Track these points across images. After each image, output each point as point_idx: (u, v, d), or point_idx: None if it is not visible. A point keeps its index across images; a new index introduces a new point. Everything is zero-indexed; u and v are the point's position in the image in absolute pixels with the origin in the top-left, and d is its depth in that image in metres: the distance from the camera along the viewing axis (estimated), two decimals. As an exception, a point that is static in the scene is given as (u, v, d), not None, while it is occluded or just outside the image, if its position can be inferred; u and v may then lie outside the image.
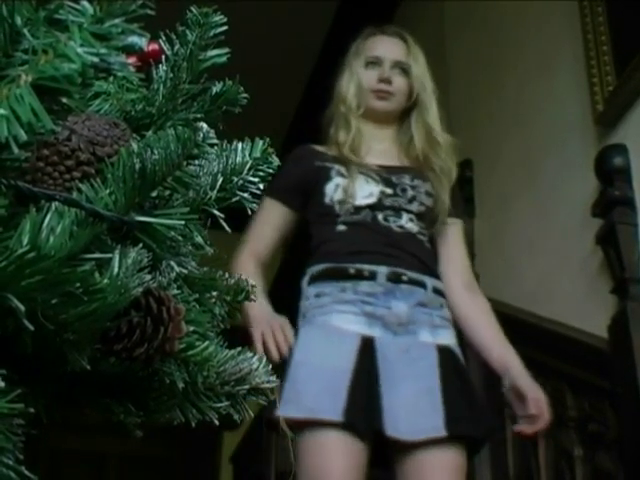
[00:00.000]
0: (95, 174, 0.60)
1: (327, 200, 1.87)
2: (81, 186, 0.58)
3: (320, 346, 1.72)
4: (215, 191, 0.64)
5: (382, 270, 1.81)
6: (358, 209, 1.87)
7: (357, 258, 1.82)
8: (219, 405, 0.67)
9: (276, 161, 0.66)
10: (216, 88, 0.73)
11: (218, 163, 0.65)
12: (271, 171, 0.65)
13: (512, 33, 2.87)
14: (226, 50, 0.72)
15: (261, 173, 0.65)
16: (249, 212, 0.65)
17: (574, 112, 2.38)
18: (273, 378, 0.69)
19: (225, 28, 0.73)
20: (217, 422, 0.67)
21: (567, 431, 2.13)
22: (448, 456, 1.69)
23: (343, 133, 1.99)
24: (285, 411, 1.60)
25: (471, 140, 3.07)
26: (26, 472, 0.54)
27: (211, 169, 0.64)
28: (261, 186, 0.65)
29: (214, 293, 0.75)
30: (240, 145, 0.66)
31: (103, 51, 0.48)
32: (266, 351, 1.71)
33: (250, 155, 0.65)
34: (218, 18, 0.72)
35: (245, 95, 0.74)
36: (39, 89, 0.48)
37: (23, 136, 0.48)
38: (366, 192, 1.89)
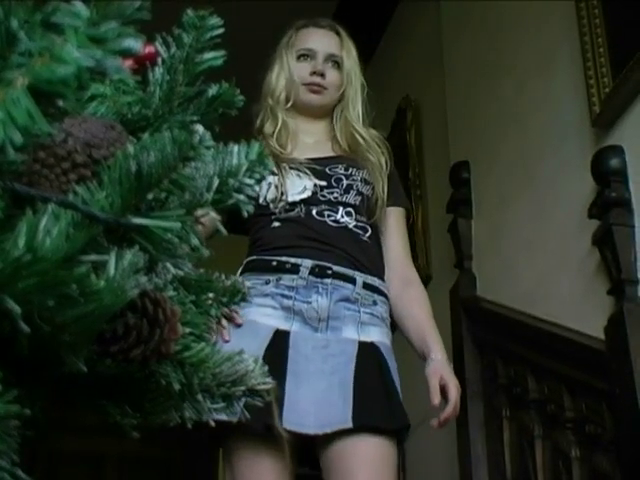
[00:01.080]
0: (91, 176, 0.60)
1: (261, 200, 1.85)
2: (77, 188, 0.58)
3: (234, 341, 1.68)
4: (211, 193, 0.64)
5: (306, 263, 1.78)
6: (292, 205, 1.84)
7: (283, 252, 1.80)
8: (215, 406, 0.67)
9: (272, 164, 0.66)
10: (212, 91, 0.74)
11: (214, 165, 0.65)
12: (267, 173, 0.66)
13: (509, 34, 2.87)
14: (222, 53, 0.72)
15: (257, 175, 0.65)
16: (245, 214, 0.65)
17: (571, 113, 2.38)
18: (269, 379, 0.70)
19: (221, 31, 0.73)
20: (213, 423, 0.67)
21: (564, 432, 2.13)
22: (364, 446, 1.66)
23: (269, 125, 1.96)
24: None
25: (468, 141, 3.07)
26: (22, 474, 0.54)
27: (207, 171, 0.64)
28: (257, 188, 0.65)
29: (210, 295, 0.75)
30: (236, 147, 0.66)
31: (99, 54, 0.48)
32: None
33: (246, 157, 0.66)
34: (214, 21, 0.72)
35: (241, 98, 0.74)
36: (35, 92, 0.48)
37: (19, 139, 0.48)
38: (299, 187, 1.86)
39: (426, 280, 3.27)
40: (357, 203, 1.88)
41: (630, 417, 1.82)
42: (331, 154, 1.96)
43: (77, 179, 0.60)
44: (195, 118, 0.73)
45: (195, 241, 0.63)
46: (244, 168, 0.65)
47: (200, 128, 0.64)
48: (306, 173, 1.89)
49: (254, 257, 1.83)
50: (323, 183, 1.88)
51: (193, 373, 0.65)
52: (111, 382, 0.64)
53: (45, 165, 0.60)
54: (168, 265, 0.64)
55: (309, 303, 1.75)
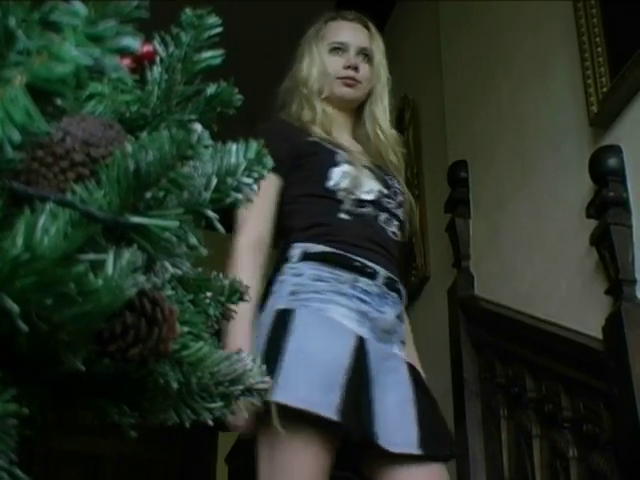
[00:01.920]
0: (89, 175, 0.60)
1: (331, 184, 1.80)
2: (75, 187, 0.58)
3: (317, 337, 1.63)
4: (209, 192, 0.64)
5: (382, 272, 1.75)
6: (361, 201, 1.80)
7: (361, 252, 1.74)
8: (213, 406, 0.67)
9: (270, 163, 0.66)
10: (210, 90, 0.74)
11: (212, 164, 0.65)
12: (265, 172, 0.66)
13: (507, 34, 2.87)
14: (220, 52, 0.72)
15: (255, 174, 0.65)
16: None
17: (569, 113, 2.39)
18: (267, 379, 0.70)
19: (220, 30, 0.73)
20: (211, 423, 0.67)
21: (562, 432, 2.14)
22: (427, 475, 1.64)
23: (307, 112, 1.93)
24: (279, 396, 1.51)
25: (466, 141, 3.07)
26: (20, 473, 0.54)
27: (205, 170, 0.64)
28: (255, 187, 0.65)
29: (208, 294, 0.75)
30: (234, 146, 0.66)
31: (97, 53, 0.48)
32: None
33: (244, 156, 0.66)
34: (213, 20, 0.72)
35: (239, 97, 0.74)
36: (33, 90, 0.48)
37: (17, 137, 0.48)
38: (368, 187, 1.83)
39: (424, 280, 3.27)
40: (403, 220, 1.89)
41: (628, 417, 1.83)
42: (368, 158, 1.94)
43: (75, 178, 0.60)
44: (193, 117, 0.73)
45: (193, 240, 0.63)
46: (242, 167, 0.65)
47: (198, 127, 0.64)
48: (375, 175, 1.87)
49: (325, 248, 1.73)
50: (385, 191, 1.87)
51: (191, 372, 0.65)
52: (109, 381, 0.64)
53: (43, 164, 0.60)
54: (166, 264, 0.64)
55: (382, 313, 1.73)
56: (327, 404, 1.52)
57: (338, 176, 1.81)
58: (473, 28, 3.16)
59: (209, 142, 0.63)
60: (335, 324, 1.66)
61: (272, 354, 1.58)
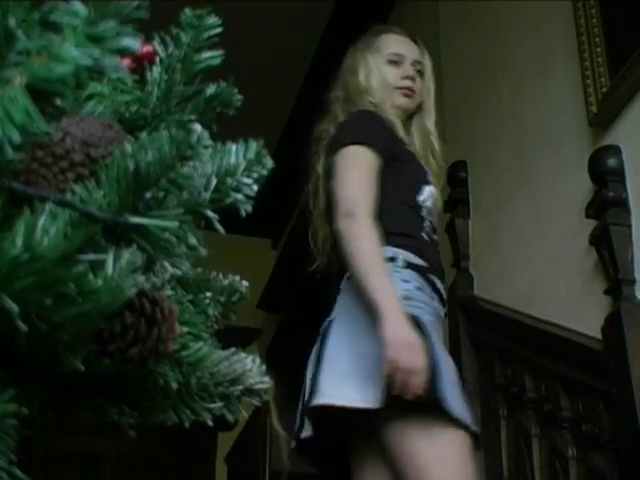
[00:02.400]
0: (89, 175, 0.60)
1: (420, 199, 1.87)
2: (75, 187, 0.58)
3: (442, 347, 1.71)
4: (209, 192, 0.64)
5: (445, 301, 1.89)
6: (432, 227, 1.91)
7: (439, 278, 1.85)
8: (213, 406, 0.67)
9: (270, 163, 0.66)
10: (210, 90, 0.74)
11: (212, 164, 0.65)
12: (265, 172, 0.66)
13: (507, 35, 2.88)
14: (220, 52, 0.72)
15: (255, 174, 0.65)
16: (243, 213, 0.65)
17: (568, 113, 2.39)
18: (267, 379, 0.70)
19: (220, 30, 0.73)
20: (211, 423, 0.67)
21: (561, 432, 2.14)
22: None
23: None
24: (448, 406, 1.57)
25: (466, 141, 3.07)
26: (19, 473, 0.54)
27: (205, 170, 0.64)
28: (255, 187, 0.65)
29: (208, 294, 0.75)
30: (234, 147, 0.66)
31: (97, 53, 0.48)
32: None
33: (244, 157, 0.66)
34: (212, 20, 0.72)
35: (239, 97, 0.74)
36: (33, 91, 0.48)
37: (17, 138, 0.48)
38: (436, 214, 1.96)
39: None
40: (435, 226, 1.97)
41: (627, 416, 1.83)
42: None
43: (75, 178, 0.60)
44: (193, 117, 0.73)
45: (193, 240, 0.63)
46: (242, 167, 0.65)
47: (198, 127, 0.64)
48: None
49: (424, 264, 1.80)
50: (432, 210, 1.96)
51: (191, 372, 0.65)
52: (109, 381, 0.64)
53: (43, 164, 0.60)
54: (166, 264, 0.64)
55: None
56: (469, 418, 1.64)
57: (427, 194, 1.89)
58: (473, 28, 3.16)
59: (209, 142, 0.63)
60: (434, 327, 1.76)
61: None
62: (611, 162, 2.07)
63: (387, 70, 2.03)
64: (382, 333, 1.56)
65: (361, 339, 1.65)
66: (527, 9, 2.73)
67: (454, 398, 1.60)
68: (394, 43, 2.08)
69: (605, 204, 2.03)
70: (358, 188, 1.75)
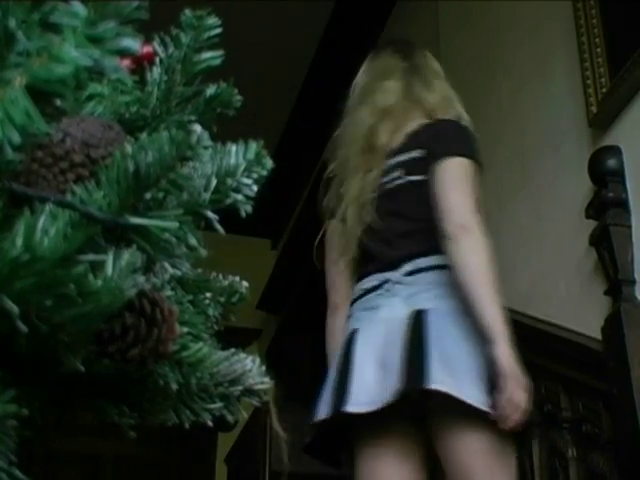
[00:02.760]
0: (89, 176, 0.60)
1: None
2: (75, 188, 0.58)
3: None
4: (209, 193, 0.64)
5: None
6: None
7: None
8: (213, 406, 0.67)
9: (270, 163, 0.66)
10: (210, 90, 0.74)
11: (212, 165, 0.65)
12: (265, 173, 0.66)
13: (507, 35, 2.88)
14: (220, 53, 0.72)
15: (255, 175, 0.65)
16: (243, 214, 0.65)
17: (568, 114, 2.39)
18: (266, 379, 0.70)
19: (220, 31, 0.73)
20: (211, 423, 0.67)
21: (561, 432, 2.14)
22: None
23: None
24: None
25: (466, 142, 3.07)
26: (19, 474, 0.54)
27: (205, 171, 0.64)
28: (254, 188, 0.65)
29: (208, 294, 0.75)
30: (234, 147, 0.66)
31: (97, 54, 0.48)
32: None
33: (244, 157, 0.66)
34: (212, 21, 0.72)
35: (239, 97, 0.74)
36: (33, 91, 0.48)
37: (17, 138, 0.48)
38: None
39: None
40: None
41: (627, 417, 1.83)
42: None
43: (75, 179, 0.60)
44: (193, 118, 0.73)
45: (193, 241, 0.63)
46: (242, 168, 0.65)
47: (198, 128, 0.64)
48: None
49: None
50: None
51: (191, 373, 0.65)
52: (109, 382, 0.64)
53: (43, 165, 0.60)
54: (166, 265, 0.64)
55: None
56: None
57: None
58: (472, 28, 3.17)
59: (209, 143, 0.63)
60: None
61: None
62: (611, 163, 2.07)
63: None
64: (499, 362, 1.62)
65: (470, 340, 1.68)
66: (527, 9, 2.73)
67: None
68: None
69: (605, 205, 2.03)
70: (473, 203, 1.79)
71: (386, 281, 1.79)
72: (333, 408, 1.67)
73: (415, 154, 1.86)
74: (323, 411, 1.70)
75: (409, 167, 1.86)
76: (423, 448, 1.75)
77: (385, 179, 1.87)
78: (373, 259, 1.85)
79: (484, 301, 1.68)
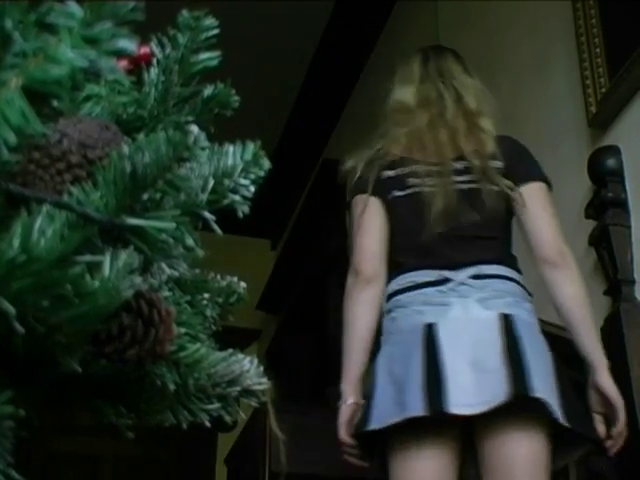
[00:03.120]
0: (86, 177, 0.60)
1: None
2: (72, 189, 0.58)
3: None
4: (206, 193, 0.64)
5: None
6: None
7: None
8: (210, 407, 0.67)
9: (267, 164, 0.66)
10: (207, 91, 0.74)
11: (209, 166, 0.65)
12: (262, 173, 0.66)
13: (506, 35, 2.88)
14: (217, 53, 0.72)
15: (252, 176, 0.65)
16: (240, 214, 0.65)
17: (567, 114, 2.39)
18: (264, 380, 0.70)
19: (217, 31, 0.73)
20: (208, 424, 0.67)
21: (561, 432, 2.13)
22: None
23: None
24: None
25: (465, 142, 3.07)
26: (15, 475, 0.54)
27: (202, 172, 0.64)
28: (252, 188, 0.65)
29: (206, 295, 0.75)
30: (231, 148, 0.66)
31: (93, 54, 0.48)
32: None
33: (241, 158, 0.66)
34: (209, 21, 0.72)
35: (236, 98, 0.74)
36: (29, 92, 0.48)
37: (13, 139, 0.48)
38: None
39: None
40: None
41: (626, 417, 1.82)
42: None
43: (72, 179, 0.60)
44: (190, 119, 0.73)
45: (190, 241, 0.63)
46: (239, 169, 0.65)
47: (195, 129, 0.64)
48: None
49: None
50: None
51: (188, 373, 0.65)
52: (106, 382, 0.64)
53: (40, 166, 0.60)
54: (163, 265, 0.64)
55: None
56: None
57: None
58: (472, 28, 3.17)
59: (206, 144, 0.63)
60: None
61: None
62: (610, 162, 2.07)
63: None
64: (609, 392, 1.72)
65: (550, 356, 1.72)
66: (526, 9, 2.73)
67: None
68: None
69: (604, 204, 2.03)
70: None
71: (446, 280, 1.76)
72: (431, 406, 1.60)
73: (493, 164, 1.83)
74: (416, 407, 1.61)
75: (484, 174, 1.83)
76: (461, 448, 1.74)
77: (458, 178, 1.83)
78: (431, 254, 1.80)
79: (587, 330, 1.74)
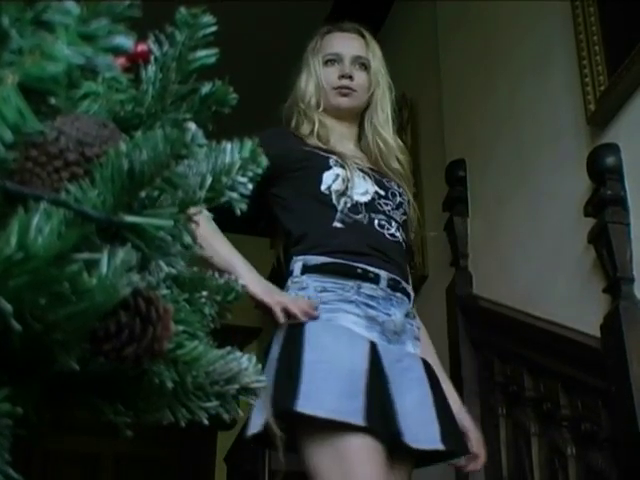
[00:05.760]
0: (83, 174, 0.60)
1: (323, 188, 1.81)
2: (69, 186, 0.58)
3: (332, 346, 1.64)
4: (204, 191, 0.64)
5: (383, 275, 1.76)
6: (355, 206, 1.81)
7: (360, 259, 1.76)
8: (208, 405, 0.67)
9: (265, 161, 0.66)
10: (205, 89, 0.73)
11: (207, 163, 0.65)
12: (260, 171, 0.66)
13: (505, 33, 2.87)
14: (215, 51, 0.72)
15: (250, 173, 0.65)
16: (238, 212, 0.65)
17: (566, 112, 2.39)
18: (262, 377, 0.70)
19: (214, 29, 0.73)
20: (207, 422, 0.67)
21: (560, 430, 2.14)
22: (410, 467, 1.74)
23: (306, 126, 1.94)
24: (305, 407, 1.53)
25: (464, 140, 3.07)
26: (13, 473, 0.54)
27: (200, 169, 0.64)
28: (250, 186, 0.65)
29: (204, 293, 0.75)
30: (229, 145, 0.66)
31: (90, 52, 0.48)
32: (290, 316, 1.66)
33: (239, 155, 0.66)
34: (207, 19, 0.72)
35: (234, 96, 0.74)
36: (26, 89, 0.48)
37: (10, 136, 0.48)
38: (362, 189, 1.83)
39: (422, 279, 3.27)
40: (402, 222, 1.90)
41: (626, 415, 1.83)
42: (368, 164, 1.95)
43: (69, 177, 0.60)
44: (188, 116, 0.73)
45: (188, 239, 0.63)
46: (237, 166, 0.65)
47: (193, 126, 0.64)
48: (369, 177, 1.88)
49: (326, 259, 1.75)
50: (382, 192, 1.88)
51: (186, 371, 0.65)
52: (104, 380, 0.64)
53: (37, 163, 0.60)
54: (161, 263, 0.64)
55: (389, 315, 1.74)
56: (355, 411, 1.55)
57: (330, 179, 1.83)
58: (471, 27, 3.16)
59: (203, 141, 0.63)
60: (346, 331, 1.68)
61: (288, 368, 1.61)
62: (610, 160, 2.07)
63: (324, 71, 2.01)
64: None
65: None
66: (525, 8, 2.73)
67: (329, 397, 1.57)
68: (332, 42, 2.05)
69: (603, 202, 2.03)
70: None
71: None
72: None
73: None
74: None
75: None
76: None
77: None
78: None
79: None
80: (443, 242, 3.03)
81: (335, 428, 1.55)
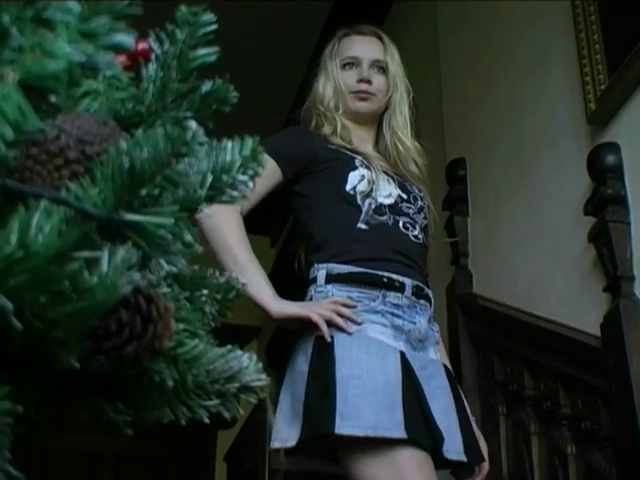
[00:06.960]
0: (84, 173, 0.60)
1: (349, 188, 1.80)
2: (70, 185, 0.58)
3: (364, 359, 1.62)
4: (205, 189, 0.64)
5: (408, 282, 1.75)
6: (379, 208, 1.80)
7: (385, 265, 1.74)
8: (209, 403, 0.67)
9: (265, 159, 0.66)
10: (206, 87, 0.73)
11: (208, 161, 0.65)
12: (260, 169, 0.66)
13: (505, 32, 2.87)
14: (215, 49, 0.72)
15: (250, 171, 0.65)
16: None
17: (567, 111, 2.38)
18: (263, 376, 0.70)
19: (215, 27, 0.73)
20: (207, 420, 0.67)
21: (560, 429, 2.14)
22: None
23: (327, 127, 1.93)
24: (344, 428, 1.51)
25: (464, 139, 3.07)
26: (13, 471, 0.54)
27: (201, 167, 0.64)
28: (250, 184, 0.65)
29: (204, 291, 0.75)
30: (230, 144, 0.66)
31: (90, 49, 0.48)
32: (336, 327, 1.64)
33: (240, 154, 0.65)
34: (208, 17, 0.72)
35: (235, 94, 0.74)
36: (26, 87, 0.48)
37: (10, 134, 0.48)
38: (386, 192, 1.83)
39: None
40: (423, 226, 1.90)
41: (626, 413, 1.83)
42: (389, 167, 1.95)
43: (70, 175, 0.60)
44: (189, 114, 0.73)
45: (189, 237, 0.62)
46: (238, 164, 0.65)
47: (193, 124, 0.64)
48: (393, 180, 1.88)
49: (351, 268, 1.74)
50: (404, 196, 1.87)
51: (187, 370, 0.65)
52: (104, 379, 0.64)
53: (37, 161, 0.60)
54: (162, 261, 0.64)
55: (414, 323, 1.74)
56: (393, 423, 1.54)
57: (356, 179, 1.82)
58: (470, 26, 3.16)
59: (204, 139, 0.63)
60: (376, 342, 1.66)
61: (322, 385, 1.59)
62: (610, 159, 2.07)
63: (342, 75, 2.00)
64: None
65: None
66: (525, 6, 2.73)
67: (368, 414, 1.55)
68: (351, 45, 2.05)
69: (604, 201, 2.03)
70: None
71: None
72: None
73: None
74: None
75: None
76: None
77: None
78: None
79: None
80: (443, 241, 3.02)
81: (379, 441, 1.54)
